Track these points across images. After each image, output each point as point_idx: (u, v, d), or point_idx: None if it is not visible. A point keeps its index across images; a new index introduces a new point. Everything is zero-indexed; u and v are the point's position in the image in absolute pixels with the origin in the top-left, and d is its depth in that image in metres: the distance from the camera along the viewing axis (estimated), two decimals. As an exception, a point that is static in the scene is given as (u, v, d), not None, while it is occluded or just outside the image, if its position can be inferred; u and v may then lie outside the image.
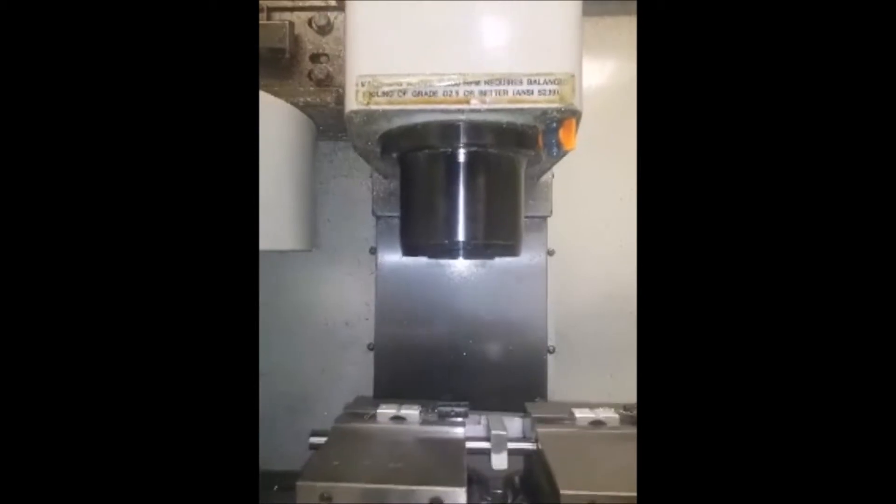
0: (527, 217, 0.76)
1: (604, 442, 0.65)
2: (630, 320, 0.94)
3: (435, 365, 0.90)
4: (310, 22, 0.70)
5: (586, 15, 0.54)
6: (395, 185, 0.85)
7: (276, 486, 0.74)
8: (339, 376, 0.95)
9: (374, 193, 0.87)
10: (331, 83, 0.71)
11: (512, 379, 0.90)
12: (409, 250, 0.60)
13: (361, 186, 0.94)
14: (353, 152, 0.70)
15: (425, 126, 0.53)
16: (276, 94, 0.70)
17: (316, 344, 0.96)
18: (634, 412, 0.70)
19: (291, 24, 0.69)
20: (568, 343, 0.93)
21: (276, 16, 0.70)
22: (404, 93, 0.49)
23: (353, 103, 0.51)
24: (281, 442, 0.89)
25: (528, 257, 0.90)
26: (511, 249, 0.57)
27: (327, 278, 0.94)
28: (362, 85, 0.49)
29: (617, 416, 0.69)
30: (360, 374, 0.93)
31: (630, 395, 0.77)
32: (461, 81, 0.48)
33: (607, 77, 0.95)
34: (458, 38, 0.50)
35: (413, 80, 0.49)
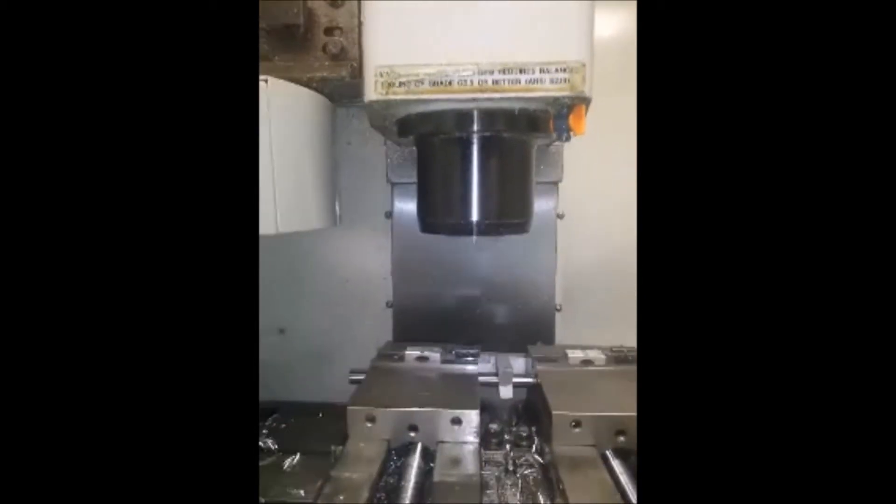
0: (538, 183, 0.80)
1: (590, 377, 0.75)
2: (633, 280, 0.99)
3: (449, 321, 0.95)
4: None
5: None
6: (409, 151, 0.88)
7: (320, 414, 0.87)
8: (360, 331, 1.01)
9: (389, 161, 0.90)
10: (345, 57, 0.71)
11: (521, 335, 0.93)
12: (426, 228, 0.64)
13: (376, 152, 0.94)
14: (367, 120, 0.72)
15: (441, 113, 0.57)
16: (292, 70, 0.71)
17: (339, 303, 1.01)
18: (619, 353, 0.80)
19: (309, 1, 0.70)
20: (574, 302, 0.97)
21: None
22: (421, 83, 0.52)
23: (371, 93, 0.53)
24: (315, 383, 0.99)
25: (538, 221, 0.91)
26: (521, 227, 0.62)
27: (347, 241, 0.98)
28: (381, 75, 0.52)
29: (603, 356, 0.79)
30: (379, 329, 0.98)
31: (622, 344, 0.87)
32: (475, 71, 0.51)
33: (622, 35, 0.95)
34: (472, 28, 0.52)
35: (429, 70, 0.51)
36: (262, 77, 0.60)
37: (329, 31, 0.72)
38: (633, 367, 0.76)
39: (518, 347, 0.91)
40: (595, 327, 0.98)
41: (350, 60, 0.72)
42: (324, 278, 1.01)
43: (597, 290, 0.99)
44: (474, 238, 0.61)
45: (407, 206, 0.93)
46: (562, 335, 0.96)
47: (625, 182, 0.96)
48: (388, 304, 0.98)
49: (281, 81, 0.65)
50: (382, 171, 0.93)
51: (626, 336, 0.96)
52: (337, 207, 0.90)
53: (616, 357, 0.79)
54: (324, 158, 0.77)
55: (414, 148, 0.70)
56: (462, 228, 0.62)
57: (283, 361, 1.02)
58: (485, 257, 0.95)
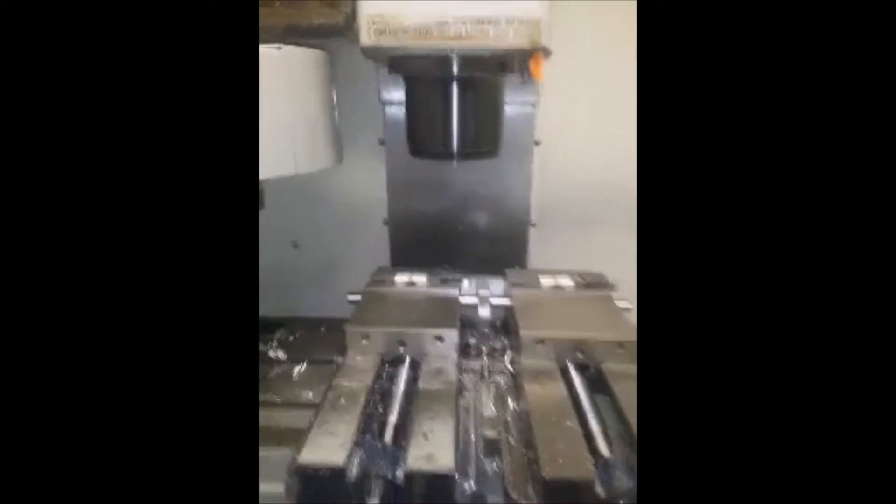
0: (519, 104, 0.89)
1: (558, 300, 0.83)
2: (602, 204, 1.11)
3: (437, 235, 1.06)
4: None
5: None
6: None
7: (322, 327, 0.99)
8: (362, 244, 1.13)
9: (380, 83, 0.97)
10: (339, 5, 0.78)
11: (500, 247, 1.06)
12: (414, 153, 0.76)
13: (368, 86, 1.00)
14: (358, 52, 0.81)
15: (425, 57, 0.66)
16: (293, 17, 0.79)
17: (343, 220, 1.14)
18: (587, 279, 0.88)
19: None
20: (546, 219, 1.09)
21: None
22: (406, 32, 0.61)
23: (365, 39, 0.64)
24: (320, 295, 1.11)
25: (517, 147, 1.00)
26: (492, 153, 0.73)
27: (347, 166, 1.04)
28: (373, 23, 0.62)
29: (572, 282, 0.87)
30: (377, 243, 1.09)
31: (593, 264, 0.94)
32: (452, 22, 0.61)
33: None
34: None
35: (413, 20, 0.61)
36: (276, 45, 0.68)
37: None
38: (599, 293, 0.84)
39: (497, 258, 1.02)
40: (564, 242, 1.12)
41: (344, 8, 0.79)
42: (330, 199, 1.12)
43: (567, 209, 1.11)
44: (454, 163, 0.72)
45: (397, 135, 0.98)
46: (535, 248, 1.08)
47: (599, 114, 1.07)
48: (385, 222, 1.08)
49: (291, 48, 0.74)
50: (375, 102, 0.99)
51: (594, 252, 1.11)
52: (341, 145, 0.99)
53: (584, 283, 0.87)
54: (329, 107, 0.86)
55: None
56: (443, 154, 0.74)
57: (296, 273, 1.15)
58: (469, 180, 1.03)
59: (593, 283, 0.87)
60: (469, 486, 0.54)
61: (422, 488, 0.51)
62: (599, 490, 0.49)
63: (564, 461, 0.51)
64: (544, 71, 0.94)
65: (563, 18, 0.94)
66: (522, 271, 0.98)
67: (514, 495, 0.52)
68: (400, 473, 0.51)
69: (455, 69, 0.66)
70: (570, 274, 0.89)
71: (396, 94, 0.97)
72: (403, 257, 1.08)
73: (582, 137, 1.08)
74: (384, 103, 0.99)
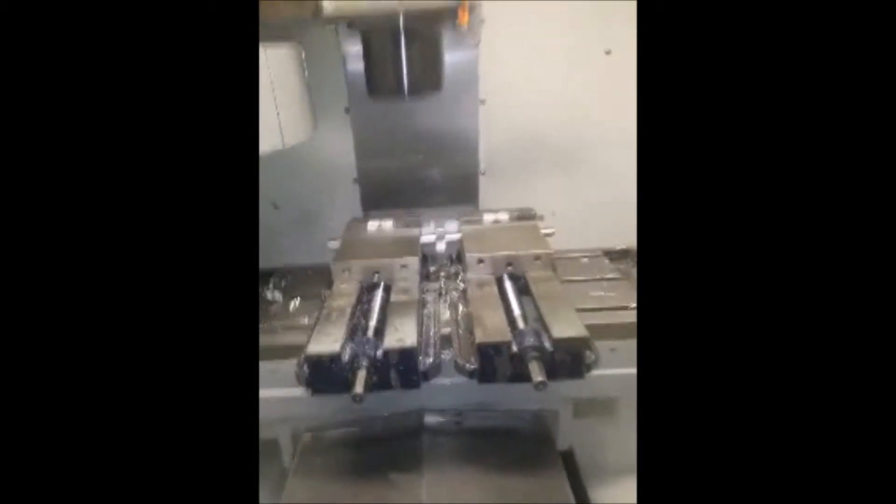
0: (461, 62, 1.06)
1: (496, 230, 1.03)
2: (538, 150, 1.30)
3: (402, 188, 1.20)
4: None
5: None
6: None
7: (308, 272, 1.15)
8: (335, 200, 1.26)
9: (344, 56, 1.08)
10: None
11: (455, 192, 1.21)
12: (372, 93, 0.93)
13: (332, 61, 1.10)
14: (321, 31, 0.93)
15: (377, 17, 0.81)
16: (265, 16, 0.92)
17: (315, 182, 1.26)
18: (520, 213, 1.06)
19: None
20: (493, 167, 1.24)
21: None
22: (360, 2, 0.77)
23: (328, 10, 0.79)
24: (301, 246, 1.23)
25: (465, 106, 1.14)
26: (437, 89, 0.92)
27: (317, 133, 1.10)
28: None
29: (508, 216, 1.06)
30: (349, 198, 1.23)
31: (533, 202, 1.13)
32: None
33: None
34: None
35: None
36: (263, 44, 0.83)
37: None
38: (527, 223, 1.04)
39: (454, 203, 1.17)
40: (508, 185, 1.26)
41: (309, 2, 0.93)
42: (305, 164, 1.21)
43: (510, 157, 1.24)
44: (405, 98, 0.92)
45: (359, 103, 1.13)
46: (484, 191, 1.23)
47: (531, 74, 1.21)
48: (354, 180, 1.21)
49: (274, 46, 0.88)
50: (340, 77, 1.11)
51: (530, 188, 1.26)
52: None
53: (517, 216, 1.06)
54: (304, 88, 0.99)
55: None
56: (396, 91, 0.90)
57: (277, 230, 1.28)
58: (425, 137, 1.16)
59: (524, 216, 1.06)
60: (427, 360, 0.75)
61: (395, 360, 0.71)
62: (514, 348, 0.70)
63: (491, 332, 0.73)
64: (484, 38, 1.12)
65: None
66: (471, 211, 1.15)
67: (460, 361, 0.75)
68: (379, 353, 0.71)
69: (401, 23, 0.82)
70: (508, 210, 1.08)
71: (354, 48, 1.07)
72: (372, 209, 1.22)
73: (519, 95, 1.20)
74: (347, 76, 1.11)
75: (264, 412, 0.81)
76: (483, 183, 1.24)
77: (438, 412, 0.92)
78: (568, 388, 0.82)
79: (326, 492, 0.83)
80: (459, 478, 0.83)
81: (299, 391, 0.77)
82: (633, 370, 0.82)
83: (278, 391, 0.83)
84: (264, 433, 0.94)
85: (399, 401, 0.89)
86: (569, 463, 0.94)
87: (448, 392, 0.86)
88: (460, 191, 1.21)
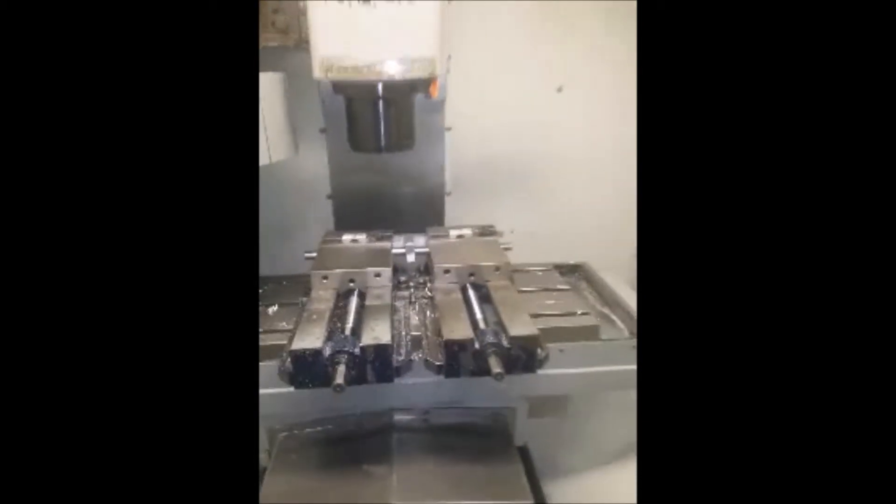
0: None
1: (460, 244, 1.11)
2: (500, 174, 1.42)
3: (372, 205, 1.26)
4: None
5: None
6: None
7: (283, 282, 1.21)
8: (309, 214, 1.34)
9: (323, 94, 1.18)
10: (288, 30, 1.03)
11: (422, 211, 1.27)
12: (353, 148, 1.03)
13: (308, 86, 1.16)
14: (300, 56, 1.00)
15: (357, 85, 0.92)
16: None
17: (291, 197, 1.36)
18: (482, 229, 1.14)
19: None
20: (459, 189, 1.32)
21: None
22: (346, 69, 0.88)
23: (317, 72, 0.86)
24: (276, 257, 1.28)
25: (433, 133, 1.22)
26: (409, 146, 1.03)
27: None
28: (322, 62, 0.88)
29: (471, 232, 1.14)
30: (323, 213, 1.29)
31: (493, 221, 1.19)
32: (377, 63, 0.88)
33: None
34: (376, 37, 0.87)
35: (351, 62, 0.87)
36: None
37: (275, 10, 1.02)
38: (488, 238, 1.13)
39: (420, 221, 1.22)
40: (472, 205, 1.37)
41: (293, 35, 1.03)
42: (282, 180, 1.31)
43: (474, 180, 1.37)
44: (382, 154, 1.03)
45: (336, 125, 1.19)
46: (450, 210, 1.30)
47: (495, 103, 1.36)
48: (328, 196, 1.27)
49: (263, 73, 0.97)
50: (316, 100, 1.20)
51: (492, 208, 1.40)
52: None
53: (480, 233, 1.16)
54: (287, 110, 1.09)
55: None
56: (375, 149, 1.01)
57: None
58: (396, 161, 1.23)
59: (485, 232, 1.16)
60: (399, 358, 0.84)
61: (371, 356, 0.80)
62: (476, 345, 0.78)
63: (457, 331, 0.83)
64: (453, 69, 1.24)
65: (463, 24, 1.21)
66: (437, 227, 1.22)
67: (429, 359, 0.84)
68: (357, 349, 0.79)
69: (380, 92, 0.94)
70: (471, 227, 1.18)
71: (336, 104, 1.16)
72: (345, 224, 1.27)
73: (484, 122, 1.33)
74: (323, 102, 1.20)
75: None
76: (449, 202, 1.32)
77: (407, 410, 1.00)
78: (524, 387, 0.92)
79: (303, 487, 0.90)
80: (427, 470, 0.92)
81: (276, 391, 0.85)
82: (582, 370, 0.93)
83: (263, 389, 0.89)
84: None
85: (370, 400, 0.97)
86: (524, 457, 1.03)
87: (416, 391, 0.94)
88: (428, 209, 1.29)
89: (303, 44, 0.97)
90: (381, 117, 0.97)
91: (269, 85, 1.00)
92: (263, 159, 0.97)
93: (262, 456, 1.01)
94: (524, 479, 0.91)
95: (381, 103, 0.97)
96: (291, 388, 0.81)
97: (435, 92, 0.98)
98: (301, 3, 0.95)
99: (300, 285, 1.06)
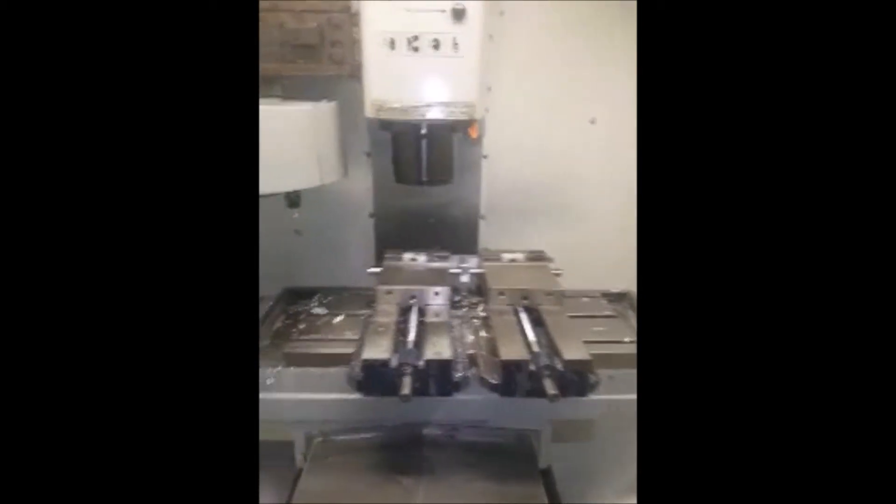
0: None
1: (513, 268, 1.16)
2: (534, 200, 1.46)
3: (411, 225, 1.33)
4: (328, 20, 1.06)
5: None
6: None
7: (330, 297, 1.28)
8: (352, 232, 1.40)
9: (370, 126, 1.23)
10: (345, 62, 1.08)
11: (458, 233, 1.34)
12: (398, 181, 1.12)
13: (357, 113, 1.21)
14: (353, 84, 1.06)
15: (405, 124, 1.00)
16: (312, 70, 1.10)
17: (335, 214, 1.40)
18: (534, 254, 1.19)
19: (319, 25, 1.05)
20: (493, 213, 1.39)
21: (308, 17, 1.05)
22: (395, 110, 0.96)
23: (369, 112, 0.96)
24: (320, 271, 1.38)
25: (471, 161, 1.30)
26: (447, 181, 1.11)
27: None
28: (373, 103, 0.96)
29: (523, 256, 1.20)
30: (365, 232, 1.36)
31: (533, 245, 1.25)
32: (423, 105, 0.96)
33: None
34: (422, 83, 0.96)
35: (400, 104, 0.96)
36: (309, 103, 1.01)
37: (333, 43, 1.09)
38: (540, 263, 1.17)
39: (456, 241, 1.29)
40: (505, 229, 1.41)
41: (347, 65, 1.09)
42: (328, 198, 1.33)
43: (508, 205, 1.41)
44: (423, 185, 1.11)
45: (379, 149, 1.27)
46: (483, 235, 1.37)
47: (531, 133, 1.40)
48: (370, 215, 1.35)
49: (318, 104, 1.06)
50: (363, 125, 1.27)
51: (525, 233, 1.42)
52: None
53: (531, 257, 1.21)
54: (339, 135, 1.15)
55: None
56: (417, 182, 1.10)
57: (300, 255, 1.42)
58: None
59: (537, 257, 1.21)
60: (457, 374, 0.89)
61: (433, 370, 0.84)
62: (532, 367, 0.82)
63: (513, 352, 0.88)
64: (491, 99, 1.31)
65: (500, 58, 1.26)
66: (491, 250, 1.27)
67: (485, 377, 0.89)
68: (421, 362, 0.82)
69: (423, 131, 1.03)
70: (523, 251, 1.23)
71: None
72: (385, 242, 1.32)
73: (519, 149, 1.38)
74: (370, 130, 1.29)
75: (284, 413, 0.96)
76: (483, 227, 1.39)
77: (436, 426, 1.06)
78: (549, 410, 0.96)
79: (335, 489, 0.97)
80: (452, 485, 0.97)
81: (315, 395, 0.94)
82: (615, 396, 0.96)
83: (331, 395, 0.97)
84: (282, 434, 1.08)
85: (402, 413, 1.03)
86: (547, 480, 1.08)
87: (446, 407, 1.00)
88: (463, 232, 1.35)
89: (355, 73, 1.05)
90: (424, 154, 1.05)
91: (323, 114, 1.08)
92: (314, 181, 1.05)
93: (299, 458, 1.09)
94: (545, 499, 0.95)
95: (423, 141, 1.04)
96: (329, 394, 0.90)
97: (475, 133, 1.05)
98: (355, 37, 1.03)
99: (359, 297, 1.16)
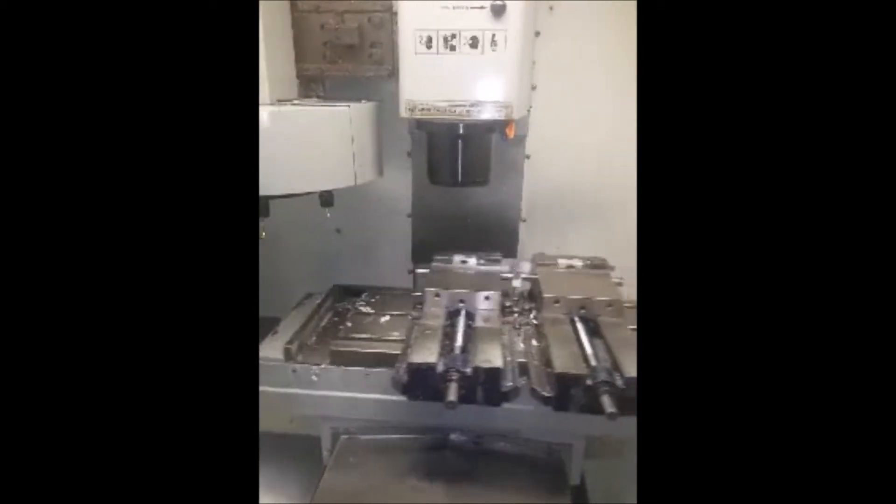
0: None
1: (569, 274, 1.11)
2: (576, 203, 1.41)
3: (449, 226, 1.31)
4: (369, 20, 1.07)
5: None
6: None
7: (377, 296, 1.27)
8: (390, 231, 1.37)
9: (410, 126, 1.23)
10: (384, 62, 1.09)
11: (499, 236, 1.30)
12: (433, 181, 1.10)
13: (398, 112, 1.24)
14: (393, 84, 1.03)
15: (440, 124, 0.97)
16: (352, 70, 1.10)
17: (374, 214, 1.39)
18: (593, 261, 1.14)
19: (360, 26, 1.06)
20: (533, 216, 1.35)
21: (349, 17, 1.06)
22: (429, 110, 0.94)
23: (404, 112, 0.94)
24: (361, 270, 1.38)
25: (512, 160, 1.27)
26: (484, 183, 1.07)
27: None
28: (408, 103, 0.95)
29: (581, 263, 1.14)
30: (403, 231, 1.35)
31: (578, 251, 1.22)
32: (459, 104, 0.94)
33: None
34: (458, 83, 0.92)
35: (434, 104, 0.94)
36: (346, 104, 1.01)
37: (373, 44, 1.09)
38: (600, 271, 1.11)
39: (494, 246, 1.24)
40: (546, 232, 1.37)
41: (387, 65, 1.10)
42: (367, 197, 1.33)
43: (549, 207, 1.36)
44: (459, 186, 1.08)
45: (419, 150, 1.23)
46: (525, 238, 1.34)
47: (573, 135, 1.34)
48: (408, 215, 1.34)
49: (356, 104, 1.05)
50: (405, 127, 1.27)
51: (566, 238, 1.39)
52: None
53: (590, 265, 1.16)
54: (377, 138, 1.14)
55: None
56: (452, 183, 1.05)
57: (340, 253, 1.43)
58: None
59: (597, 265, 1.15)
60: (508, 383, 0.84)
61: (482, 378, 0.80)
62: (588, 381, 0.78)
63: (569, 364, 0.83)
64: (536, 99, 1.27)
65: (548, 55, 1.21)
66: (545, 255, 1.22)
67: (537, 388, 0.84)
68: (469, 369, 0.79)
69: (460, 131, 1.00)
70: (581, 258, 1.17)
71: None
72: (422, 243, 1.32)
73: (562, 151, 1.32)
74: (412, 135, 1.28)
75: (314, 409, 0.97)
76: (523, 229, 1.35)
77: (461, 432, 1.03)
78: (583, 425, 0.91)
79: (357, 488, 0.95)
80: (476, 493, 0.93)
81: (344, 393, 0.95)
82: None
83: (374, 395, 0.98)
84: (310, 430, 1.09)
85: (427, 418, 1.02)
86: (578, 497, 1.03)
87: (481, 414, 0.96)
88: (503, 234, 1.32)
89: (395, 73, 1.04)
90: (460, 154, 1.03)
91: (361, 114, 1.08)
92: (349, 181, 1.04)
93: (325, 454, 1.09)
94: (575, 517, 0.92)
95: (459, 142, 1.02)
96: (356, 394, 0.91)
97: (511, 133, 1.01)
98: (395, 37, 1.02)
99: (405, 298, 1.13)
